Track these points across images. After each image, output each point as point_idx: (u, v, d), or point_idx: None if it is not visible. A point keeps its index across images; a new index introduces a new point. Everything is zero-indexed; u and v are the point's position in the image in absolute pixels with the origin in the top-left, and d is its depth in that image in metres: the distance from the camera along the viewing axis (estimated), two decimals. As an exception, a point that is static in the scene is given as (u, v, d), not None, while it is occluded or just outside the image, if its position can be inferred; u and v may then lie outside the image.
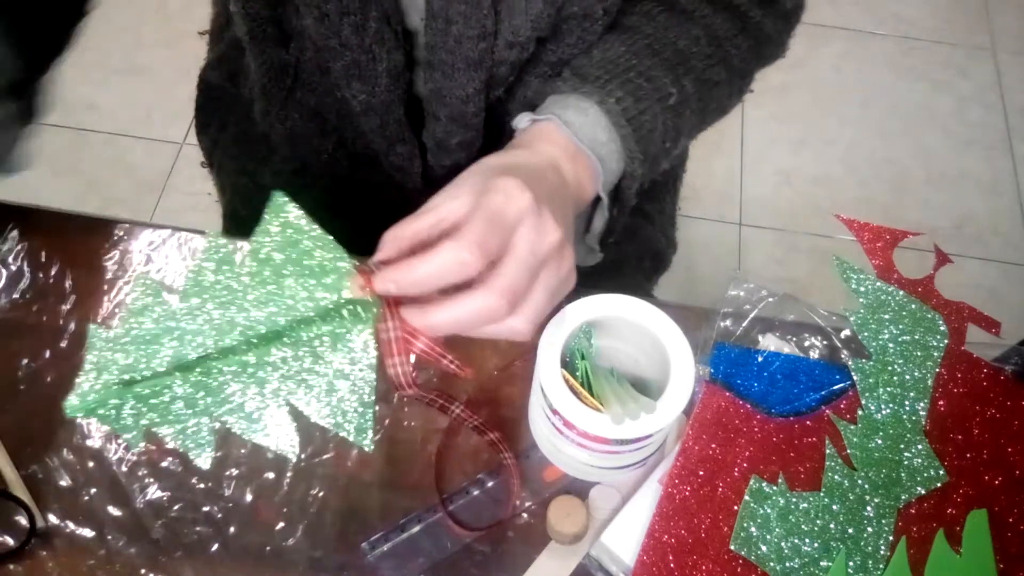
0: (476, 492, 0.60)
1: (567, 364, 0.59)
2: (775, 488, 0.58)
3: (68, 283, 0.68)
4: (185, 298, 0.48)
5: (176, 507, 0.59)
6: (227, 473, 0.61)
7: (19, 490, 0.59)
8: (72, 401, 0.47)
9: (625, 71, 0.62)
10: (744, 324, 0.66)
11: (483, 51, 0.62)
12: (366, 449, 0.49)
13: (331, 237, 0.50)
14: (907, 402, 0.62)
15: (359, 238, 0.81)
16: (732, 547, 0.56)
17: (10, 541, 0.58)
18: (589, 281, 0.70)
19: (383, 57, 0.64)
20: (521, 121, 0.61)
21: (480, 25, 0.61)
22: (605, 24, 0.65)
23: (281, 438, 0.48)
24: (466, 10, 0.60)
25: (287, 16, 0.67)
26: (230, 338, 0.48)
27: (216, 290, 0.48)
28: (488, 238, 0.47)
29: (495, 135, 0.72)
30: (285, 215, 0.49)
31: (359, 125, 0.71)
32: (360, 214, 0.80)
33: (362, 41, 0.63)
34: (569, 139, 0.58)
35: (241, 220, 0.89)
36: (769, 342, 0.66)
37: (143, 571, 0.57)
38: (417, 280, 0.47)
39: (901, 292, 0.66)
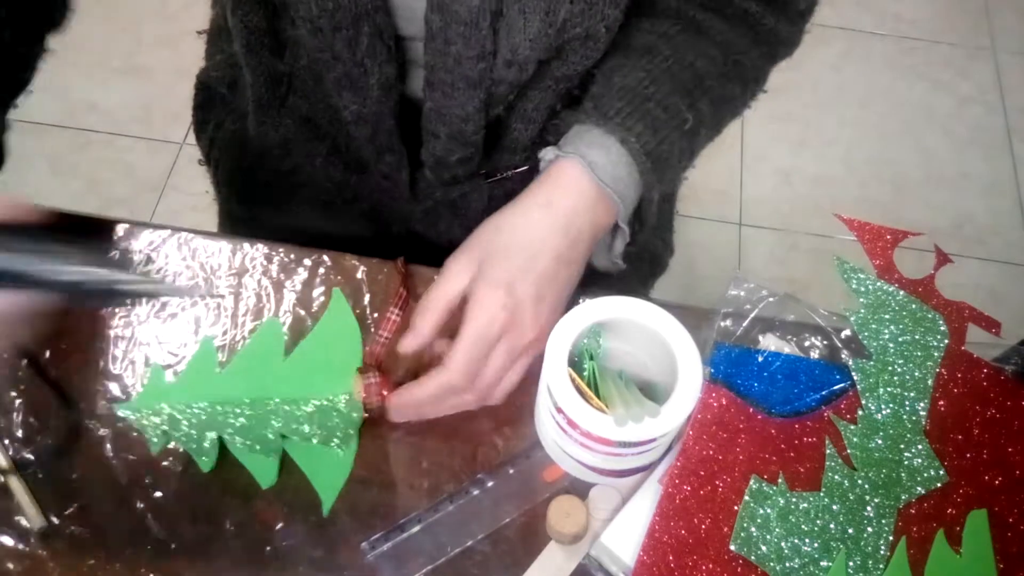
0: (476, 492, 0.60)
1: (575, 364, 0.59)
2: (775, 488, 0.58)
3: (68, 283, 0.68)
4: (231, 364, 0.63)
5: (176, 507, 0.59)
6: (227, 473, 0.61)
7: (20, 490, 0.59)
8: (121, 406, 0.61)
9: (644, 101, 0.64)
10: (744, 324, 0.66)
11: (482, 71, 0.63)
12: (340, 453, 0.61)
13: (361, 342, 0.65)
14: (907, 402, 0.62)
15: (352, 237, 0.81)
16: (732, 547, 0.56)
17: (10, 542, 0.58)
18: (585, 284, 0.70)
19: (375, 70, 0.64)
20: (547, 154, 0.65)
21: (479, 45, 0.61)
22: (608, 41, 0.66)
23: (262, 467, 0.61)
24: (465, 31, 0.60)
25: (282, 26, 0.67)
26: (253, 395, 0.62)
27: (256, 365, 0.63)
28: (472, 362, 0.58)
29: (494, 148, 0.72)
30: (344, 314, 0.66)
31: (351, 132, 0.71)
32: (353, 216, 0.80)
33: (354, 55, 0.63)
34: (591, 182, 0.62)
35: (237, 219, 0.89)
36: (769, 342, 0.66)
37: (143, 571, 0.57)
38: (419, 405, 0.60)
39: (901, 292, 0.66)
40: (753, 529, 0.57)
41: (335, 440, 0.61)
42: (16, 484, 0.59)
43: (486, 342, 0.58)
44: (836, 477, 0.59)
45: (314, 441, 0.60)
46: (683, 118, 0.65)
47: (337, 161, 0.76)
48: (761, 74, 0.73)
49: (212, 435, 0.60)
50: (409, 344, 0.60)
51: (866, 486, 0.59)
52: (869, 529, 0.57)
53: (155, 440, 0.60)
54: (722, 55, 0.68)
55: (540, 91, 0.68)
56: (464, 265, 0.61)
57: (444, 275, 0.61)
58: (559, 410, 0.55)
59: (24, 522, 0.58)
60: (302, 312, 0.68)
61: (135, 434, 0.62)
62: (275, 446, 0.60)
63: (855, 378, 0.63)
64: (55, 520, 0.59)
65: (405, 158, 0.72)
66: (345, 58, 0.63)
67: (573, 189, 0.62)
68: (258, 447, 0.60)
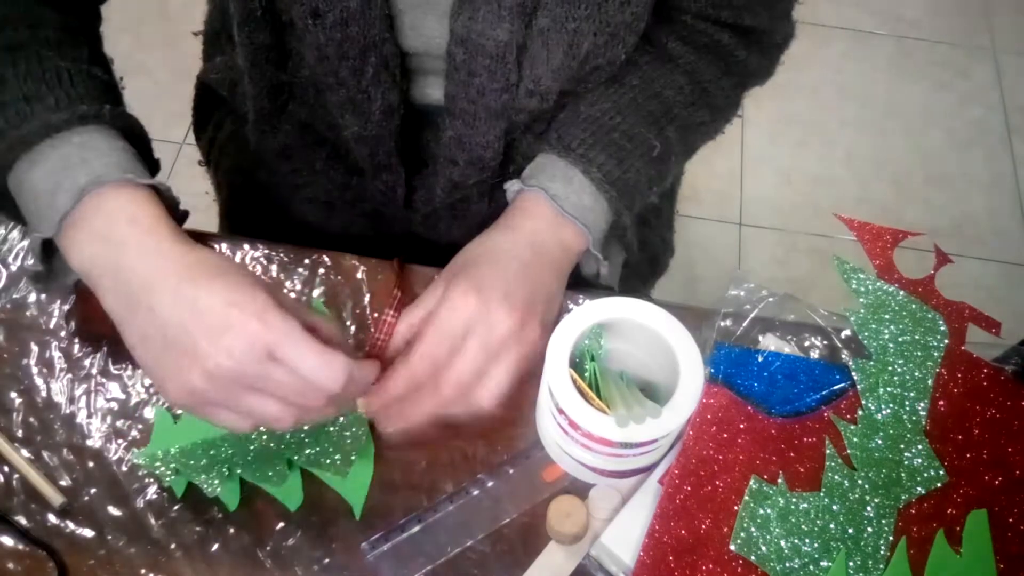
0: (476, 492, 0.60)
1: (576, 365, 0.59)
2: (775, 488, 0.58)
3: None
4: None
5: (176, 507, 0.59)
6: (227, 473, 0.61)
7: (32, 473, 0.59)
8: (138, 455, 0.61)
9: (609, 131, 0.65)
10: (744, 324, 0.66)
11: (505, 101, 0.63)
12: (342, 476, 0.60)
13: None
14: (907, 402, 0.62)
15: (352, 237, 0.81)
16: (732, 547, 0.56)
17: (10, 541, 0.58)
18: (586, 285, 0.70)
19: (378, 97, 0.64)
20: (512, 186, 0.66)
21: (504, 78, 0.61)
22: (623, 62, 0.66)
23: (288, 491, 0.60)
24: (491, 64, 0.60)
25: (287, 39, 0.67)
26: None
27: None
28: (432, 352, 0.57)
29: (501, 160, 0.72)
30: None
31: (349, 144, 0.72)
32: (353, 216, 0.80)
33: (359, 82, 0.63)
34: (553, 210, 0.64)
35: (237, 219, 0.89)
36: (769, 342, 0.66)
37: (143, 571, 0.57)
38: (395, 394, 0.58)
39: (902, 292, 0.66)
40: (753, 529, 0.57)
41: (347, 451, 0.60)
42: (27, 468, 0.60)
43: (447, 332, 0.57)
44: (836, 477, 0.59)
45: (324, 462, 0.59)
46: (650, 145, 0.66)
47: (337, 165, 0.76)
48: (731, 102, 0.74)
49: (226, 473, 0.59)
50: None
51: (866, 486, 0.59)
52: (869, 529, 0.57)
53: (169, 481, 0.59)
54: (690, 83, 0.69)
55: (553, 109, 0.69)
56: (437, 287, 0.62)
57: (421, 299, 0.63)
58: (560, 411, 0.55)
59: (23, 520, 0.58)
60: (302, 312, 0.68)
61: (134, 433, 0.62)
62: (283, 474, 0.59)
63: (855, 378, 0.63)
64: (55, 521, 0.59)
65: (402, 177, 0.72)
66: (349, 84, 0.63)
67: (535, 214, 0.64)
68: (270, 474, 0.59)
